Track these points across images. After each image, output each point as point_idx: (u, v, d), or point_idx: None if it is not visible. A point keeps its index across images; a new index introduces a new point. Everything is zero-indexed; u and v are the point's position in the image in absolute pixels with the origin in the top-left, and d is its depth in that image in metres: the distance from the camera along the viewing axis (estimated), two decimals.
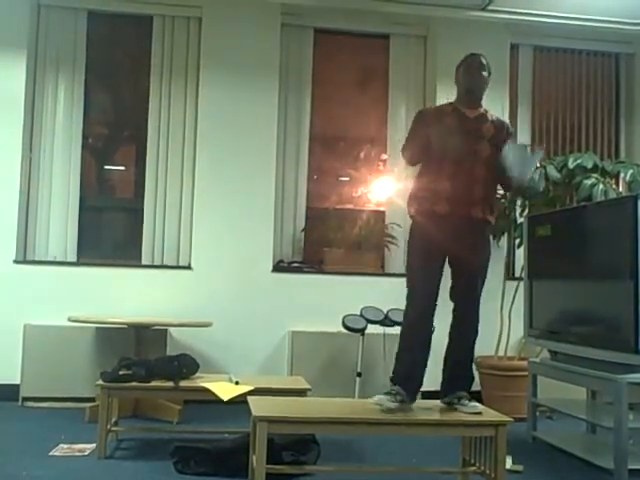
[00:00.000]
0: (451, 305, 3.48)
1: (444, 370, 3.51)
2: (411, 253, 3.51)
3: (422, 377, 3.42)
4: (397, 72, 6.01)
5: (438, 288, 3.41)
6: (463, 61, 3.57)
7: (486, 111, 3.55)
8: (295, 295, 5.45)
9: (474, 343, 3.51)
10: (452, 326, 3.48)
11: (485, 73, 3.52)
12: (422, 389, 3.43)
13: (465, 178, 3.39)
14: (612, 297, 3.79)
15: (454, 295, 3.47)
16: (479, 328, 3.48)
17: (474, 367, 3.57)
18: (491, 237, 3.80)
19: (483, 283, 3.48)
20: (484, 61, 3.53)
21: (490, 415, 3.29)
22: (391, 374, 3.43)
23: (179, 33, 5.66)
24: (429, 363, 3.40)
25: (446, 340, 3.50)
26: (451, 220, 3.39)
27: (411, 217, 3.53)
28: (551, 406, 4.51)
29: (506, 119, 3.99)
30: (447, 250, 3.43)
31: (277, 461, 3.22)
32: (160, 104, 5.62)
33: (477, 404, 3.37)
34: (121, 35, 5.81)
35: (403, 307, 3.45)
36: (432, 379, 3.47)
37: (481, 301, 3.48)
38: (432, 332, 3.45)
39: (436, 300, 3.42)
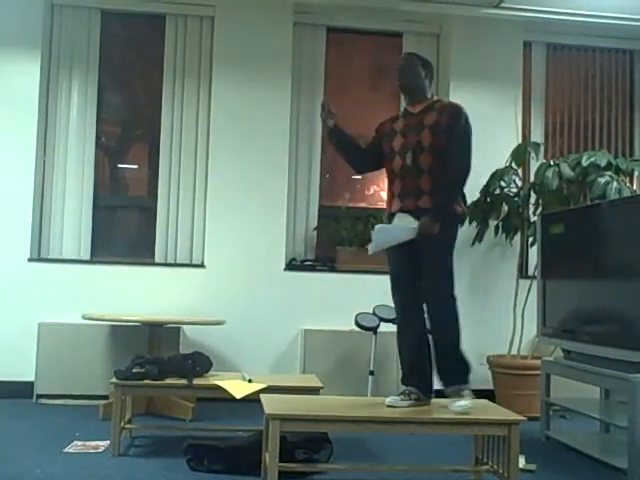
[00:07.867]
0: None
1: None
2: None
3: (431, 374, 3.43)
4: None
5: None
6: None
7: (435, 101, 3.58)
8: (308, 293, 5.45)
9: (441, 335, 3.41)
10: None
11: (408, 64, 3.59)
12: (435, 388, 3.43)
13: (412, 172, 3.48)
14: (626, 295, 3.77)
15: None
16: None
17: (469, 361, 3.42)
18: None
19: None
20: (408, 56, 3.66)
21: (503, 414, 3.28)
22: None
23: (192, 32, 5.67)
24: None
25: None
26: None
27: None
28: (564, 405, 4.48)
29: (455, 102, 3.68)
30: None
31: (290, 459, 3.23)
32: (173, 102, 5.64)
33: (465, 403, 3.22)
34: (134, 34, 5.84)
35: None
36: None
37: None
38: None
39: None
